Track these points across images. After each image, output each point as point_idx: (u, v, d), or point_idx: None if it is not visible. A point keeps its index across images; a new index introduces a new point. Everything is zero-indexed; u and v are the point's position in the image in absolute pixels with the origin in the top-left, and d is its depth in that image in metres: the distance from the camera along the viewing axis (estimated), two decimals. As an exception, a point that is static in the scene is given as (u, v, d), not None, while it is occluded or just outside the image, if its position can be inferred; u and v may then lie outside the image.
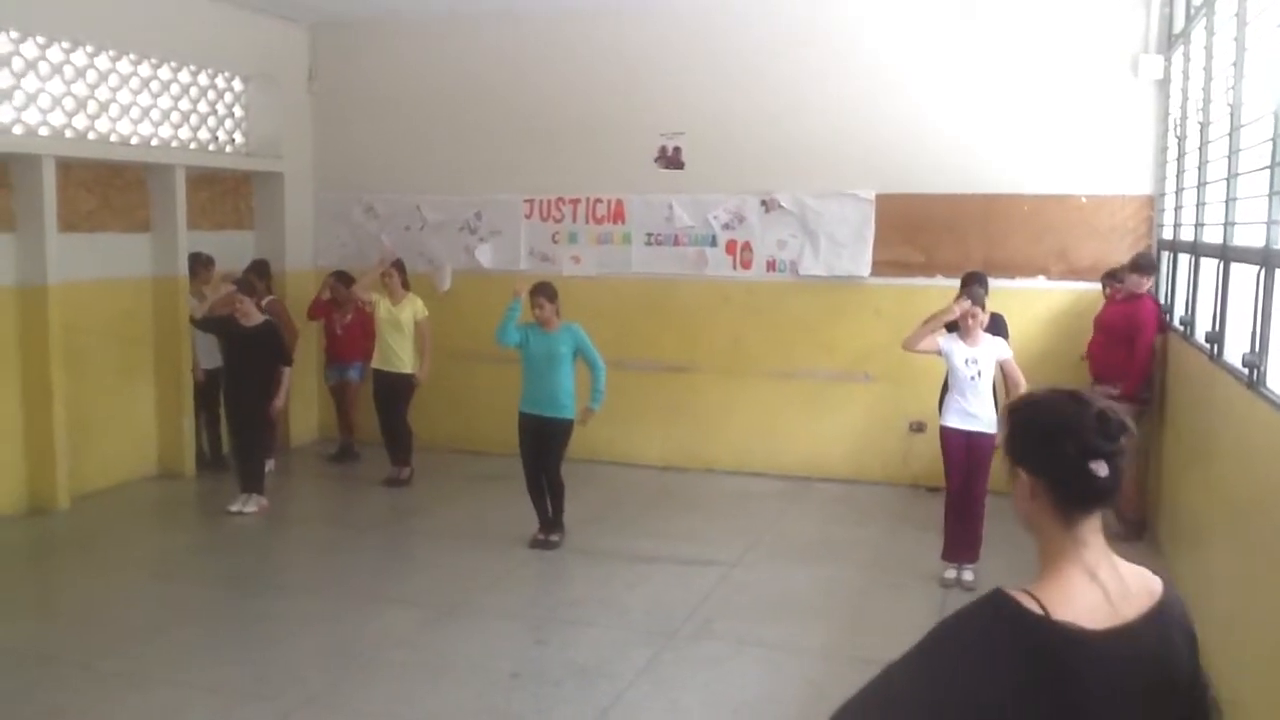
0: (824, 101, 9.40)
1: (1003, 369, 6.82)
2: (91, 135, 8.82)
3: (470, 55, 10.45)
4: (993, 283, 8.82)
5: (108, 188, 9.04)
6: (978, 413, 6.76)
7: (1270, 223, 4.57)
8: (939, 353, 6.82)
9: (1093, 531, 1.91)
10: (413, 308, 9.14)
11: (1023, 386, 6.76)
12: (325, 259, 10.88)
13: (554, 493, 7.69)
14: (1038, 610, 1.80)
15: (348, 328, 9.92)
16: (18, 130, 8.19)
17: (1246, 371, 4.75)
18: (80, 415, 8.66)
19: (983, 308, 6.77)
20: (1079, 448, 1.87)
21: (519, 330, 7.52)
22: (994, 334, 6.93)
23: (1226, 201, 5.61)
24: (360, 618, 6.34)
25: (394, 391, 9.17)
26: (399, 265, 9.24)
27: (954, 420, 6.84)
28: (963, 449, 6.80)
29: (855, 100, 9.32)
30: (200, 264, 9.52)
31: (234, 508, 8.31)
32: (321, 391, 10.75)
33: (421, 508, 8.76)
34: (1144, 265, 7.84)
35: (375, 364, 9.25)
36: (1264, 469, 4.47)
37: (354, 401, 10.10)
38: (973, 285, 7.10)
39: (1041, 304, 9.05)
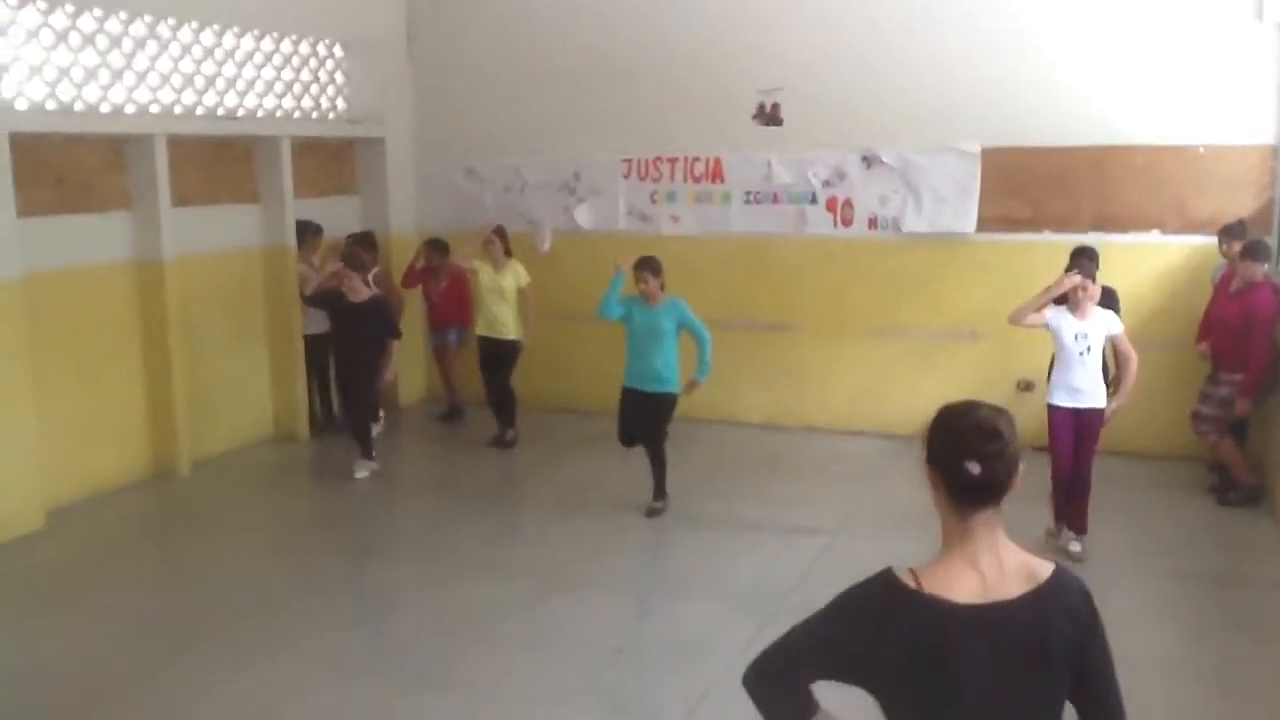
0: (925, 53, 9.15)
1: (1113, 343, 6.65)
2: (199, 111, 9.03)
3: (565, 15, 10.39)
4: (1104, 238, 8.70)
5: (216, 161, 9.26)
6: (1086, 388, 6.61)
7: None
8: (1046, 326, 6.64)
9: (982, 524, 2.21)
10: (515, 274, 9.22)
11: (1133, 360, 6.61)
12: (428, 222, 11.02)
13: (657, 464, 7.73)
14: (912, 585, 2.18)
15: (443, 294, 10.09)
16: (130, 110, 8.43)
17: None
18: (198, 383, 8.98)
19: (1093, 280, 6.56)
20: (956, 451, 2.19)
21: (622, 304, 7.54)
22: (1105, 307, 6.73)
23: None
24: (470, 588, 6.51)
25: (499, 358, 9.32)
26: (500, 232, 9.33)
27: (1062, 398, 6.67)
28: (1070, 427, 6.66)
29: (958, 51, 9.05)
30: (309, 233, 9.74)
31: (360, 474, 8.59)
32: (427, 354, 10.94)
33: (527, 472, 8.92)
34: (1257, 251, 7.49)
35: (480, 330, 9.39)
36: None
37: (453, 364, 10.31)
38: (1082, 259, 6.86)
39: (1157, 259, 8.78)
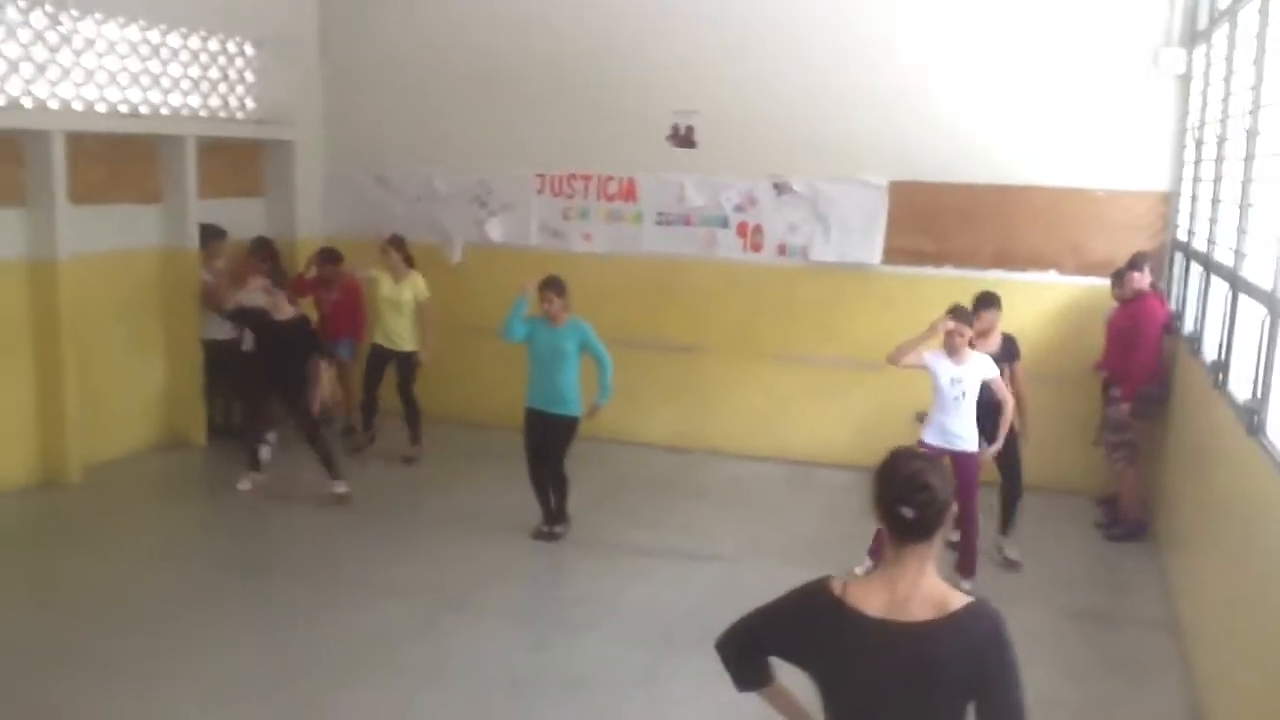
0: (840, 86, 9.28)
1: (991, 387, 6.81)
2: (101, 106, 8.78)
3: (485, 26, 10.32)
4: (1004, 275, 8.94)
5: (118, 159, 9.01)
6: (960, 432, 6.76)
7: (1278, 272, 4.52)
8: (924, 368, 6.80)
9: (912, 555, 2.58)
10: (414, 287, 9.13)
11: (1010, 404, 6.87)
12: (336, 229, 10.86)
13: (558, 486, 7.72)
14: (838, 593, 2.61)
15: (335, 305, 9.65)
16: (27, 103, 8.16)
17: (1248, 416, 4.73)
18: (91, 386, 8.72)
19: (969, 326, 6.71)
20: (892, 497, 2.58)
21: (525, 325, 7.51)
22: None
23: (1238, 232, 5.55)
24: (361, 609, 6.42)
25: (388, 367, 9.26)
26: (396, 241, 9.21)
27: (934, 438, 6.80)
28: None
29: (871, 86, 9.20)
30: (212, 236, 9.52)
31: (339, 489, 8.33)
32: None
33: (427, 488, 8.83)
34: (1139, 262, 7.89)
35: (376, 339, 9.29)
36: (1258, 516, 4.48)
37: (347, 379, 9.94)
38: (960, 308, 6.90)
39: (1052, 298, 9.01)
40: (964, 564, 6.94)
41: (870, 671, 2.57)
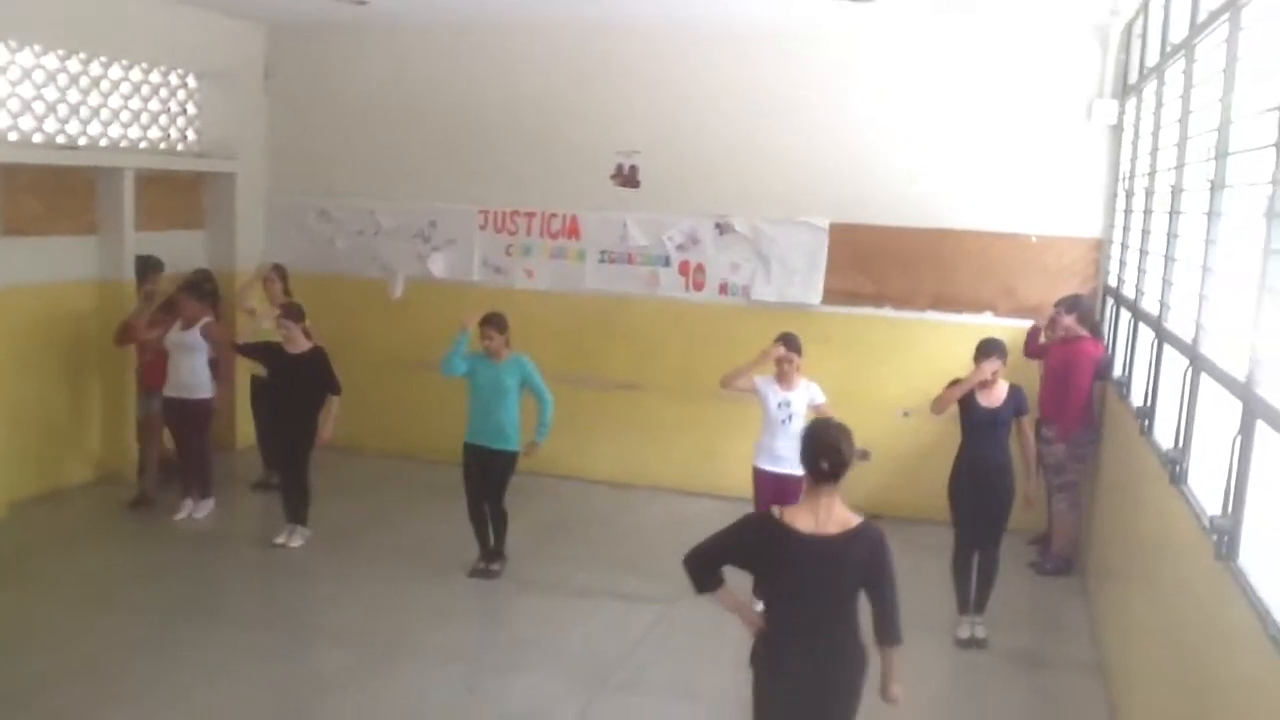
0: (781, 129, 9.42)
1: (817, 413, 6.95)
2: (38, 137, 8.68)
3: (429, 63, 10.37)
4: (940, 317, 9.16)
5: (54, 191, 8.89)
6: (786, 455, 6.88)
7: (1198, 325, 4.65)
8: (754, 392, 7.08)
9: (825, 493, 4.00)
10: None
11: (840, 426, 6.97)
12: (276, 260, 10.75)
13: (496, 522, 7.71)
14: (777, 516, 4.01)
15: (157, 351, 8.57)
16: (-39, 134, 8.06)
17: (1170, 465, 4.85)
18: (20, 419, 8.58)
19: (798, 354, 7.01)
20: (814, 454, 4.02)
21: (466, 360, 7.51)
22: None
23: (1163, 283, 5.69)
24: (295, 655, 6.36)
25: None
26: (280, 271, 9.06)
27: (763, 461, 7.10)
28: (772, 488, 6.97)
29: (812, 129, 9.35)
30: (149, 267, 9.39)
31: (279, 540, 8.06)
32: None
33: (364, 525, 8.74)
34: (1076, 307, 8.04)
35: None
36: (1178, 565, 4.58)
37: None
38: (787, 334, 7.16)
39: (987, 340, 9.14)
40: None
41: (800, 568, 3.96)
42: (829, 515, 3.95)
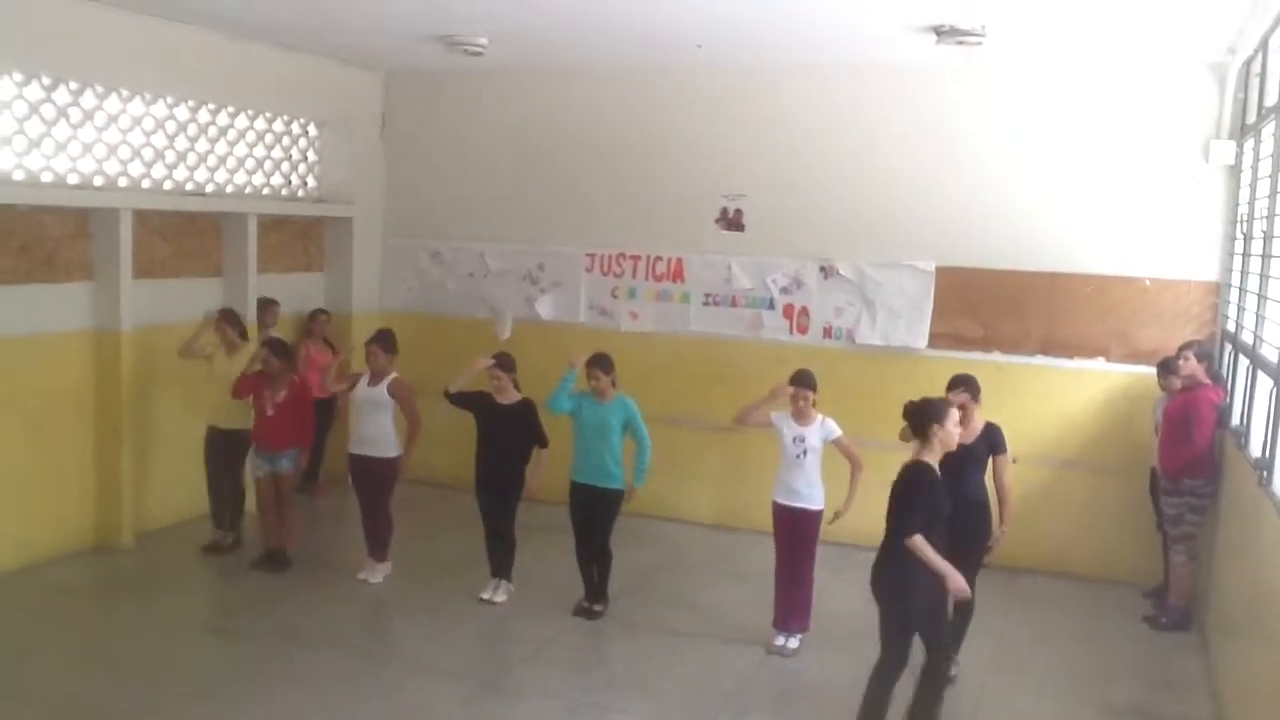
0: (887, 171, 9.41)
1: (837, 446, 7.12)
2: (168, 185, 9.11)
3: (538, 109, 10.62)
4: (1051, 362, 9.03)
5: (182, 234, 9.32)
6: (801, 489, 7.10)
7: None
8: (771, 426, 7.22)
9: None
10: (247, 361, 8.49)
11: (860, 463, 7.11)
12: (391, 303, 11.17)
13: (600, 562, 7.79)
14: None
15: (280, 407, 8.29)
16: (98, 182, 8.50)
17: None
18: (148, 453, 8.98)
19: (813, 390, 7.10)
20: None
21: (572, 399, 7.63)
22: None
23: (1281, 330, 5.53)
24: (401, 687, 6.48)
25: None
26: (230, 316, 8.78)
27: (779, 495, 7.24)
28: (788, 523, 7.14)
29: (918, 171, 9.32)
30: (265, 308, 9.76)
31: (484, 595, 7.96)
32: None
33: (472, 561, 8.85)
34: (1200, 354, 7.84)
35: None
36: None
37: (286, 498, 8.53)
38: (802, 371, 7.25)
39: (1100, 386, 8.97)
40: (798, 617, 7.25)
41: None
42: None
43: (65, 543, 8.44)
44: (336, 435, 10.30)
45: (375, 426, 8.13)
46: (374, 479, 8.24)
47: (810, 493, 7.16)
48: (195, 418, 8.96)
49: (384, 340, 8.16)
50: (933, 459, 5.53)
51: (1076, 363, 9.02)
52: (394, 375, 8.14)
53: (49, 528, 8.31)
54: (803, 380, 7.16)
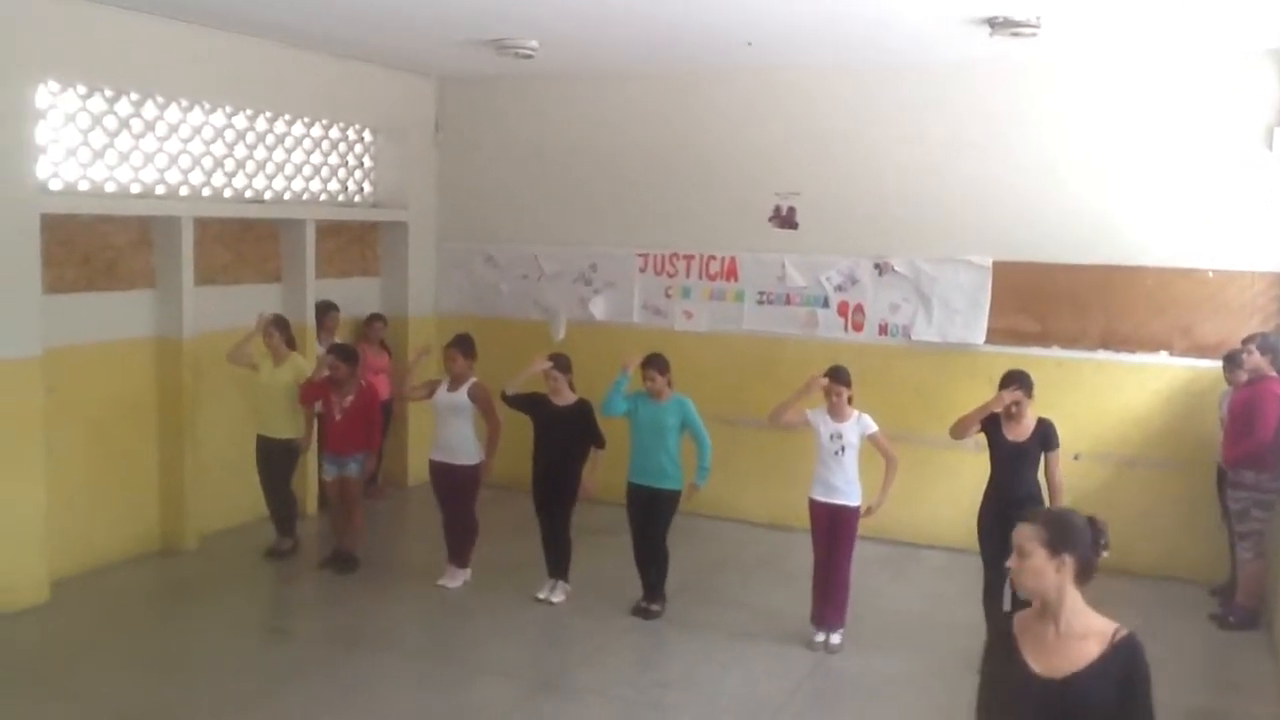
0: (941, 166, 9.32)
1: (873, 442, 7.08)
2: (228, 193, 9.26)
3: (590, 111, 10.67)
4: (1112, 357, 8.89)
5: (241, 241, 9.48)
6: (840, 486, 7.12)
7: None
8: (806, 424, 7.21)
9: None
10: (295, 369, 8.69)
11: (895, 459, 7.08)
12: (446, 307, 11.29)
13: (658, 562, 7.80)
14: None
15: (348, 412, 8.41)
16: (160, 191, 8.67)
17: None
18: (210, 458, 9.11)
19: (846, 385, 7.07)
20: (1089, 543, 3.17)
21: (627, 400, 7.65)
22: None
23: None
24: (460, 686, 6.55)
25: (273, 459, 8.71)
26: (279, 322, 8.79)
27: (817, 492, 7.22)
28: (826, 519, 7.11)
29: (974, 166, 9.22)
30: (324, 312, 9.90)
31: (541, 595, 8.00)
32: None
33: (529, 562, 8.89)
34: (1264, 347, 7.72)
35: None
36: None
37: (354, 500, 8.63)
38: (838, 369, 7.22)
39: (1162, 380, 8.81)
40: (836, 613, 7.23)
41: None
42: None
43: (131, 546, 8.61)
44: (393, 437, 10.45)
45: (456, 433, 8.08)
46: (456, 486, 8.20)
47: (849, 489, 7.14)
48: (252, 423, 9.04)
49: (463, 345, 8.15)
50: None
51: (1138, 357, 8.87)
52: (474, 380, 8.13)
53: (115, 532, 8.48)
54: (837, 376, 7.14)
